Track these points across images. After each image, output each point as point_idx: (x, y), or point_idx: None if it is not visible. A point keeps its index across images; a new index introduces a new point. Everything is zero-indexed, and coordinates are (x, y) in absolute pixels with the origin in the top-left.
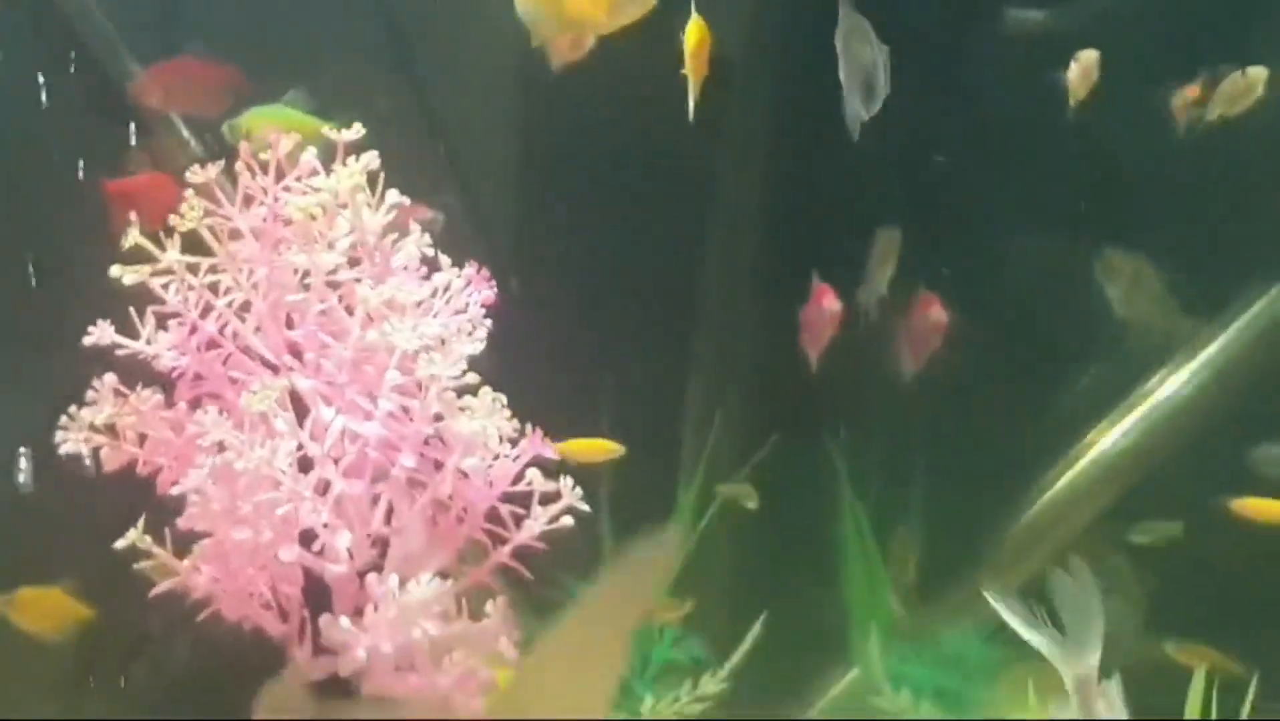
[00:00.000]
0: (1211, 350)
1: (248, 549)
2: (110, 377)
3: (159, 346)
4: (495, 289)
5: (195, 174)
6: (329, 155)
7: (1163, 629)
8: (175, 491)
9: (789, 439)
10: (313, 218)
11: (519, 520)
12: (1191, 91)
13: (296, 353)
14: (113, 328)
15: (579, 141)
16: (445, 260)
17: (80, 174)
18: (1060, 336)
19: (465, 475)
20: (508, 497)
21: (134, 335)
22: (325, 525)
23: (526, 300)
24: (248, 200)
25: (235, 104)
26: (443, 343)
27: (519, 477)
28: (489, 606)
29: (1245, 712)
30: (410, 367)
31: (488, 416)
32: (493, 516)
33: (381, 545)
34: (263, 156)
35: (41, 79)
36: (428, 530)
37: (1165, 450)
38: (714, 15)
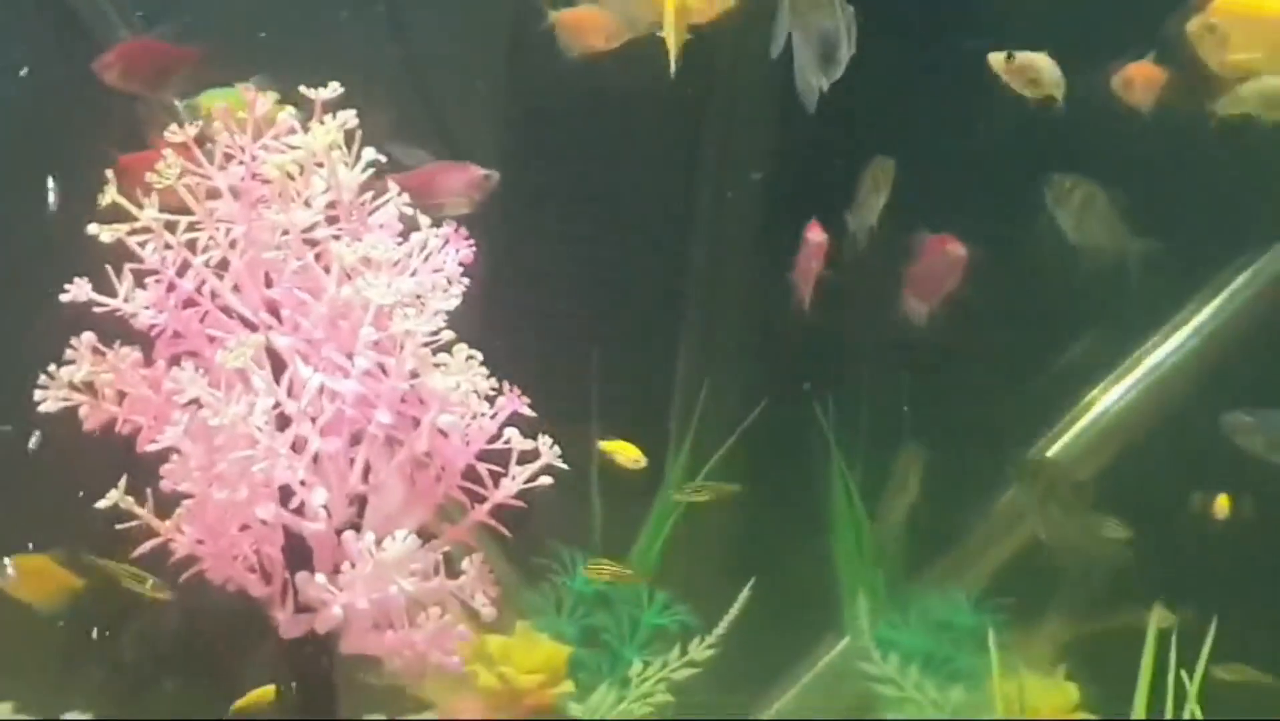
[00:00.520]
0: (1205, 314)
1: (229, 510)
2: (89, 336)
3: (137, 304)
4: (474, 248)
5: (174, 133)
6: (308, 115)
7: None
8: (151, 448)
9: (777, 406)
10: (290, 176)
11: (497, 478)
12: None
13: (274, 310)
14: (90, 285)
15: (565, 114)
16: (424, 220)
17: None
18: (1055, 299)
19: (443, 433)
20: (486, 456)
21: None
22: (302, 482)
23: (515, 271)
24: (226, 159)
25: (193, 86)
26: (419, 299)
27: (497, 436)
28: (466, 564)
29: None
30: (386, 324)
31: (463, 372)
32: (471, 474)
33: (360, 503)
34: (241, 115)
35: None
36: (406, 488)
37: (1161, 413)
38: None
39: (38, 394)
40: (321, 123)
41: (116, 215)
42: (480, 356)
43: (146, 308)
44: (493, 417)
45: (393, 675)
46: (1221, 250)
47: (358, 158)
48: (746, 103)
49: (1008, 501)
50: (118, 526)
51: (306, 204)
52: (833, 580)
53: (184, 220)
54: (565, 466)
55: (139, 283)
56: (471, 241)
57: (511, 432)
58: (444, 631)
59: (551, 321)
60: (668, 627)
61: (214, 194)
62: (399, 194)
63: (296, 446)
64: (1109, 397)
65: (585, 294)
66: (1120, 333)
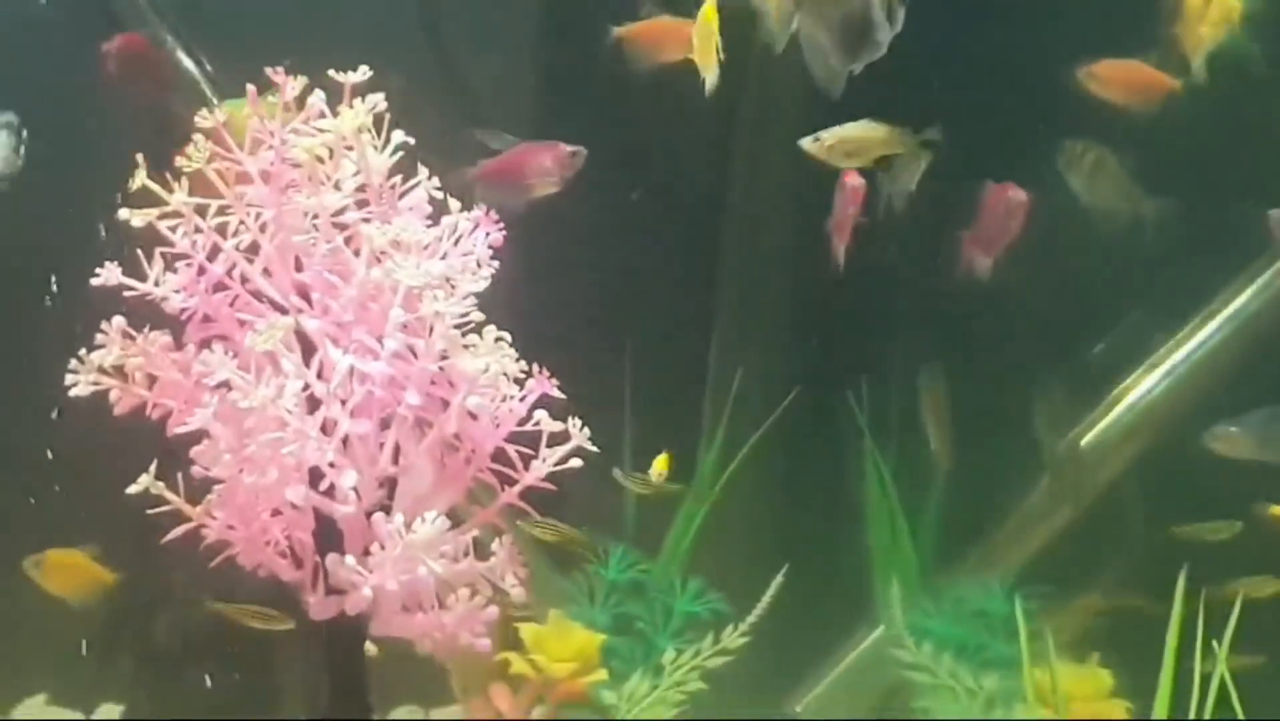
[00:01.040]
0: (1238, 303)
1: (259, 494)
2: (119, 320)
3: (167, 288)
4: (503, 230)
5: (204, 118)
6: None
7: None
8: (181, 430)
9: (810, 393)
10: (319, 160)
11: (527, 461)
12: None
13: (304, 294)
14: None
15: (600, 103)
16: (454, 204)
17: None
18: (1090, 288)
19: (473, 415)
20: (515, 438)
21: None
22: (331, 464)
23: (550, 259)
24: (256, 144)
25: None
26: (448, 281)
27: (526, 418)
28: (495, 545)
29: None
30: (416, 306)
31: (492, 354)
32: (500, 457)
33: (389, 485)
34: (271, 100)
35: None
36: (435, 470)
37: (1194, 402)
38: None
39: (68, 378)
40: (351, 106)
41: (148, 201)
42: (509, 338)
43: (177, 291)
44: (522, 400)
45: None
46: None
47: (387, 141)
48: (780, 87)
49: (1043, 488)
50: (149, 512)
51: (336, 187)
52: (866, 568)
53: (214, 204)
54: (595, 449)
55: (169, 267)
56: (501, 225)
57: (541, 415)
58: (473, 613)
59: (584, 311)
60: (701, 615)
61: (244, 179)
62: (429, 177)
63: (326, 428)
64: (1145, 384)
65: (618, 283)
66: (1158, 317)
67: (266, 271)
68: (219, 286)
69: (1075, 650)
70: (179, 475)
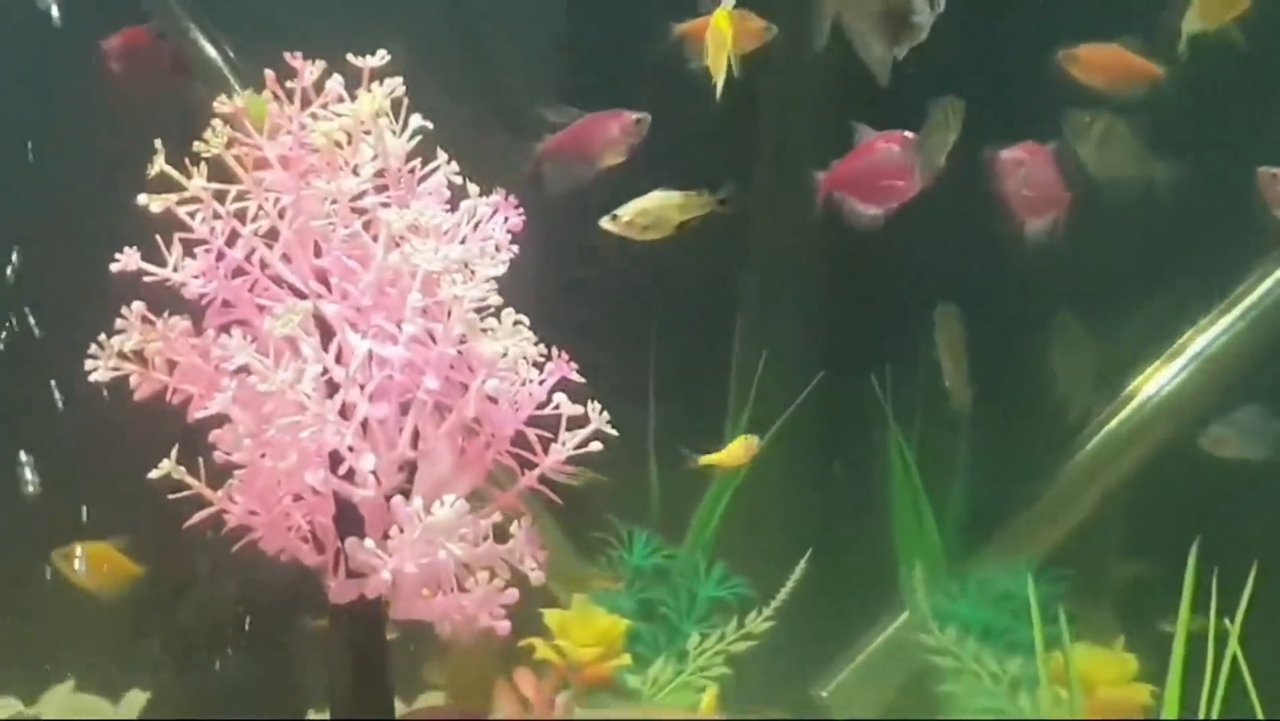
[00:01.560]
0: (1259, 291)
1: (280, 479)
2: (138, 305)
3: (186, 274)
4: (523, 215)
5: (222, 104)
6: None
7: None
8: (200, 415)
9: (835, 377)
10: (337, 144)
11: (547, 444)
12: None
13: (323, 279)
14: (139, 255)
15: (624, 83)
16: (473, 188)
17: None
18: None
19: (492, 399)
20: (535, 422)
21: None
22: (350, 448)
23: (574, 243)
24: (275, 129)
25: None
26: (466, 266)
27: (546, 402)
28: (514, 528)
29: None
30: (435, 291)
31: (510, 338)
32: (520, 441)
33: (409, 469)
34: (289, 85)
35: None
36: (455, 454)
37: (1216, 392)
38: None
39: (88, 363)
40: (369, 90)
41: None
42: (527, 321)
43: (196, 277)
44: (541, 383)
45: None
46: None
47: (405, 125)
48: (805, 74)
49: (1070, 471)
50: (171, 496)
51: (354, 172)
52: (891, 553)
53: (233, 190)
54: (614, 432)
55: (188, 252)
56: (521, 210)
57: (561, 398)
58: (493, 595)
59: (609, 294)
60: (725, 600)
61: (262, 164)
62: (448, 161)
63: (345, 413)
64: (1166, 373)
65: (642, 267)
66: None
67: (285, 257)
68: (238, 272)
69: (1100, 633)
70: (199, 461)
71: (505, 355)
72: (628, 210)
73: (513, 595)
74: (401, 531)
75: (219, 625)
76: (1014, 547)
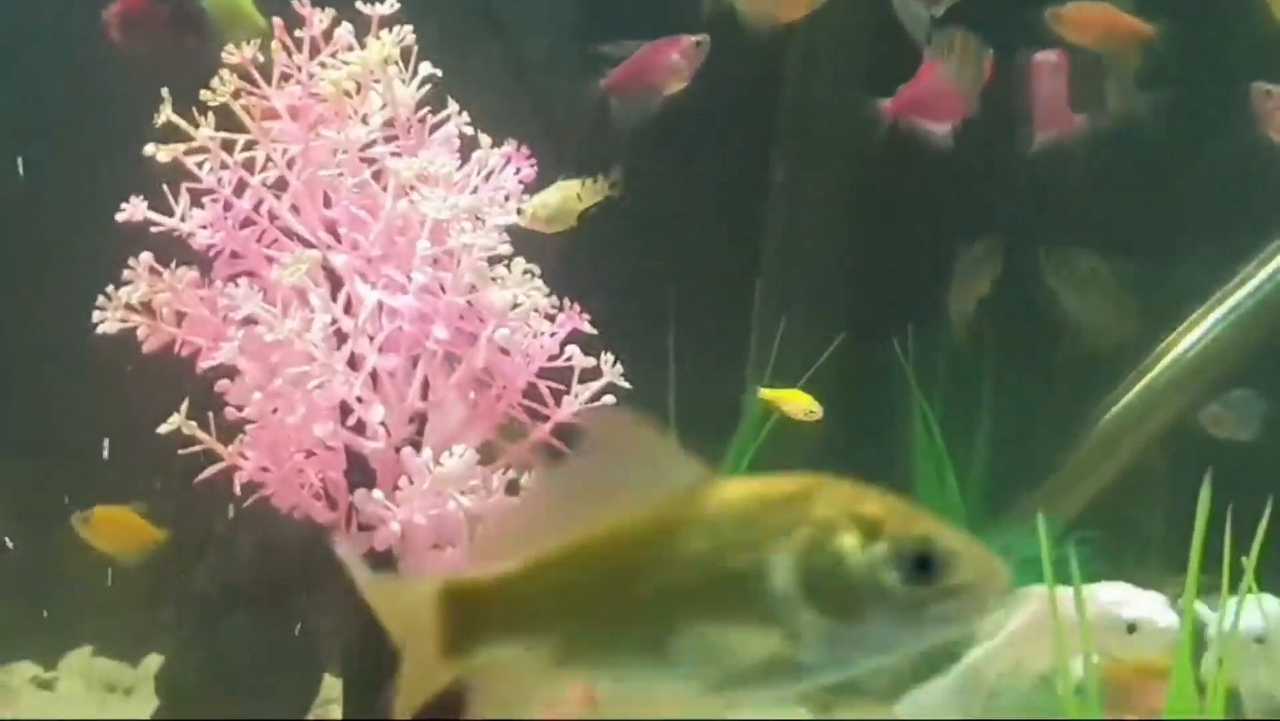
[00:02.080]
0: None
1: (291, 434)
2: (146, 256)
3: (193, 224)
4: (535, 166)
5: (230, 53)
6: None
7: None
8: (206, 365)
9: (856, 341)
10: (346, 94)
11: (559, 396)
12: None
13: (333, 230)
14: (145, 205)
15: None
16: (485, 139)
17: None
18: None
19: (503, 350)
20: (547, 374)
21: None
22: (359, 399)
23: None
24: (284, 78)
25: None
26: (477, 217)
27: (558, 354)
28: (526, 480)
29: None
30: (444, 240)
31: (520, 286)
32: (532, 393)
33: (419, 421)
34: (298, 34)
35: None
36: (465, 406)
37: (1241, 353)
38: None
39: (95, 315)
40: (378, 38)
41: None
42: (538, 270)
43: (203, 227)
44: (553, 335)
45: None
46: None
47: (414, 73)
48: (829, 34)
49: (1095, 436)
50: (181, 452)
51: (363, 121)
52: None
53: (241, 140)
54: (627, 385)
55: (196, 203)
56: (533, 161)
57: (573, 350)
58: None
59: (629, 259)
60: None
61: (271, 114)
62: (458, 112)
63: (354, 364)
64: (1191, 337)
65: (663, 231)
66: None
67: (294, 208)
68: (246, 222)
69: None
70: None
71: (515, 304)
72: (530, 205)
73: None
74: (411, 482)
75: (236, 586)
76: (1039, 512)
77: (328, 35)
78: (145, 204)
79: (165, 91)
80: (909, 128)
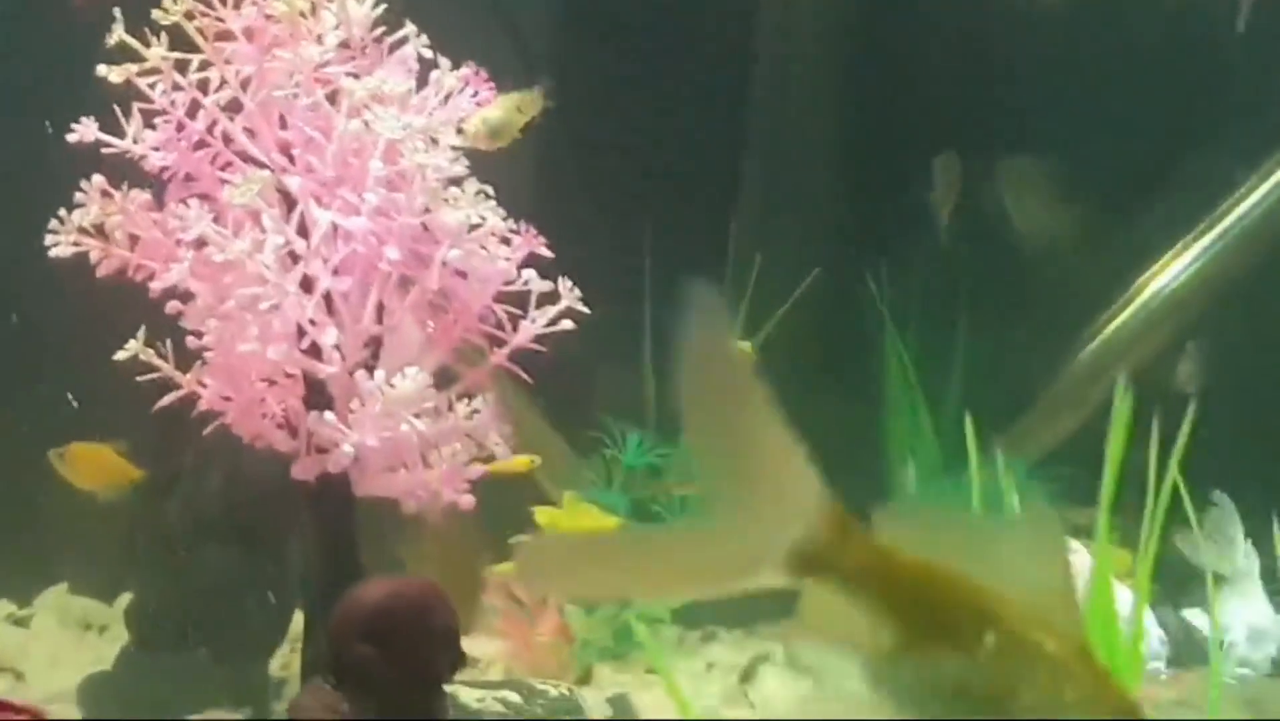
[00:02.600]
0: (1264, 189)
1: (249, 361)
2: (98, 179)
3: (145, 145)
4: (493, 89)
5: None
6: None
7: None
8: (157, 286)
9: (831, 275)
10: (301, 15)
11: (516, 321)
12: None
13: (288, 152)
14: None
15: None
16: (445, 62)
17: None
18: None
19: (460, 275)
20: (504, 299)
21: None
22: (312, 322)
23: (567, 139)
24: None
25: None
26: (432, 139)
27: (514, 278)
28: (479, 402)
29: None
30: (397, 160)
31: (474, 206)
32: (489, 318)
33: (375, 345)
34: None
35: None
36: (421, 330)
37: (1219, 289)
38: None
39: (48, 239)
40: None
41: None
42: (491, 191)
43: (155, 149)
44: (509, 260)
45: None
46: None
47: None
48: None
49: (1068, 377)
50: (139, 379)
51: (318, 40)
52: (886, 454)
53: (195, 59)
54: (586, 310)
55: (148, 124)
56: (491, 85)
57: (530, 274)
58: (457, 470)
59: (604, 195)
60: None
61: (225, 36)
62: (416, 34)
63: (308, 286)
64: (1173, 269)
65: (638, 167)
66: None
67: (249, 130)
68: (200, 145)
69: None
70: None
71: (469, 223)
72: (470, 123)
73: (478, 470)
74: (363, 405)
75: (204, 521)
76: (1012, 449)
77: None
78: (95, 125)
79: (117, 11)
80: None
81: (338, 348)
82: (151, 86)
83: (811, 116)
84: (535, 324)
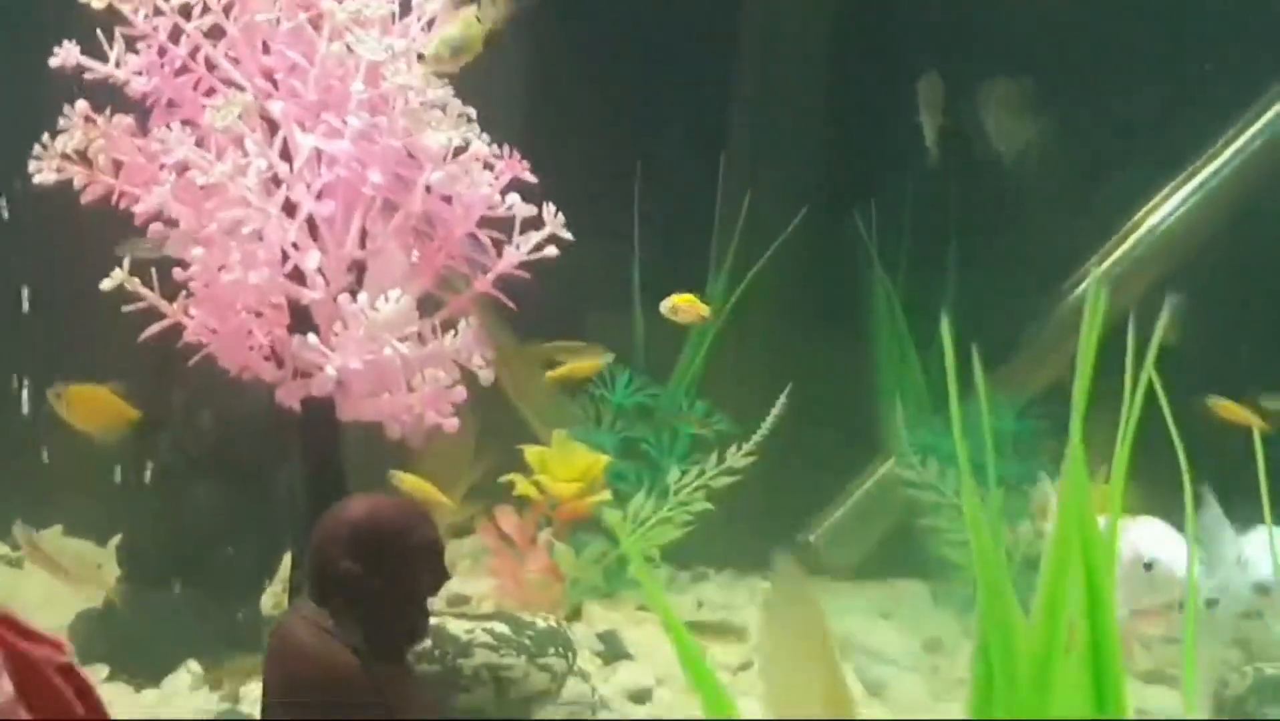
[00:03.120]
0: (1260, 123)
1: (237, 292)
2: (81, 104)
3: (128, 70)
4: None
5: None
6: None
7: None
8: (139, 209)
9: (819, 215)
10: None
11: (500, 246)
12: None
13: (271, 78)
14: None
15: None
16: None
17: None
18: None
19: (444, 199)
20: (488, 224)
21: None
22: (295, 246)
23: (558, 79)
24: None
25: None
26: (416, 56)
27: (498, 203)
28: (462, 325)
29: None
30: (379, 83)
31: (456, 128)
32: (474, 243)
33: (359, 271)
34: None
35: None
36: (405, 255)
37: (1214, 226)
38: None
39: (31, 164)
40: None
41: None
42: (474, 113)
43: (138, 74)
44: (491, 185)
45: None
46: None
47: None
48: None
49: (1057, 318)
50: (125, 309)
51: None
52: (876, 392)
53: None
54: (570, 236)
55: (130, 49)
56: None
57: (514, 199)
58: (440, 393)
59: (594, 133)
60: (707, 437)
61: None
62: None
63: (291, 211)
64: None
65: (627, 104)
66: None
67: (231, 54)
68: (182, 70)
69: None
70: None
71: (455, 148)
72: (434, 43)
73: (460, 393)
74: (346, 328)
75: (194, 459)
76: (1002, 385)
77: None
78: (78, 48)
79: None
80: None
81: (321, 271)
82: (134, 12)
83: (800, 53)
84: (520, 250)
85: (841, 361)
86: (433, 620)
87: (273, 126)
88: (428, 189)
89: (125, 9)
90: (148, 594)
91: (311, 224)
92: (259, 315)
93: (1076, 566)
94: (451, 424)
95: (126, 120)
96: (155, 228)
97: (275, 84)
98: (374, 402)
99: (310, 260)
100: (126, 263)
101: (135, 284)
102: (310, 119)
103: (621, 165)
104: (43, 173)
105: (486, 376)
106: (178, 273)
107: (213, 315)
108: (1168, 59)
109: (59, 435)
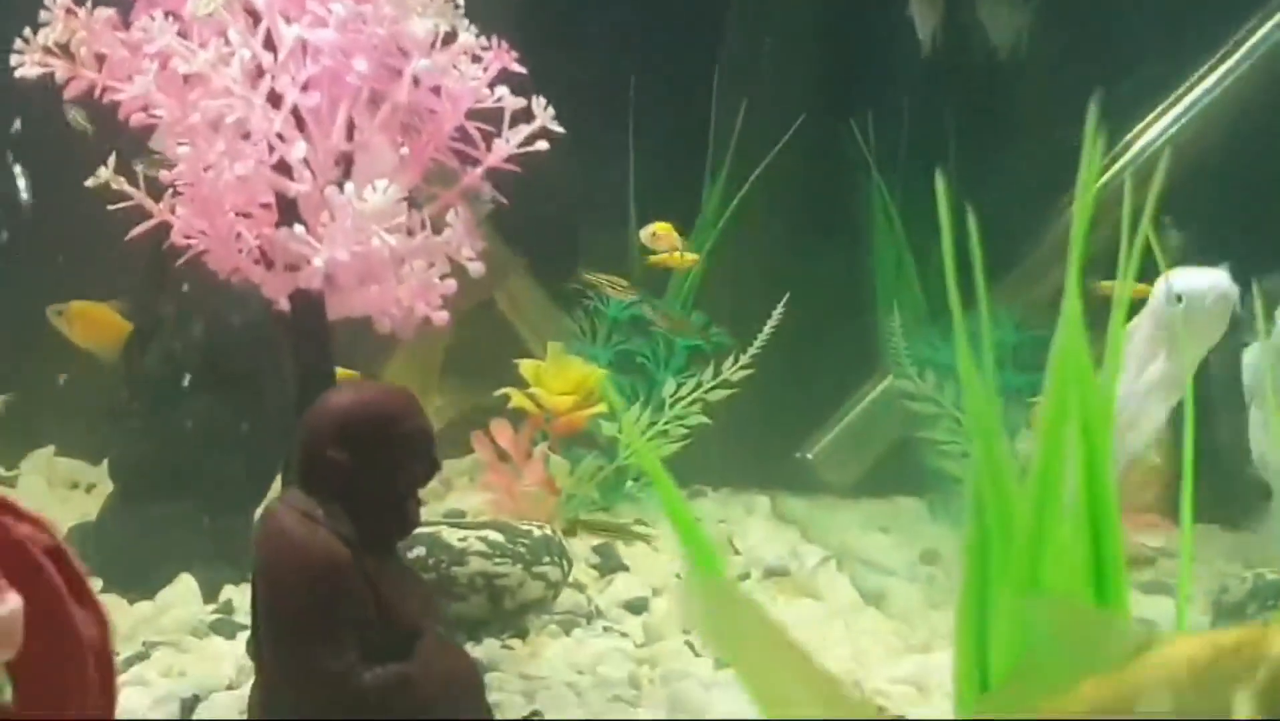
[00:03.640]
0: (1252, 42)
1: (223, 191)
2: None
3: None
4: None
5: None
6: None
7: None
8: (120, 99)
9: (816, 122)
10: None
11: (489, 140)
12: None
13: None
14: None
15: None
16: None
17: None
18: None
19: (433, 91)
20: (477, 116)
21: None
22: (280, 136)
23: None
24: None
25: None
26: None
27: (486, 95)
28: (450, 217)
29: None
30: None
31: (442, 15)
32: (463, 137)
33: (346, 164)
34: None
35: None
36: (393, 147)
37: (1206, 145)
38: None
39: (13, 59)
40: None
41: None
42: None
43: None
44: (478, 79)
45: None
46: None
47: None
48: None
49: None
50: (110, 208)
51: None
52: (874, 305)
53: None
54: (560, 129)
55: None
56: None
57: (503, 91)
58: (429, 285)
59: (588, 44)
60: (703, 349)
61: None
62: None
63: (276, 102)
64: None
65: (622, 15)
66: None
67: None
68: None
69: None
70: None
71: (440, 35)
72: None
73: (450, 285)
74: (334, 219)
75: (186, 370)
76: (1001, 299)
77: None
78: None
79: None
80: None
81: (307, 163)
82: None
83: None
84: (509, 143)
85: (839, 272)
86: (427, 529)
87: (256, 19)
88: (415, 81)
89: None
90: (141, 508)
91: (298, 117)
92: (248, 216)
93: (1074, 421)
94: (441, 316)
95: (109, 13)
96: (138, 114)
97: None
98: (362, 295)
99: (296, 151)
100: (112, 160)
101: (121, 182)
102: (294, 8)
103: (616, 76)
104: (25, 66)
105: (476, 269)
106: (164, 174)
107: (200, 215)
108: None
109: (52, 356)
